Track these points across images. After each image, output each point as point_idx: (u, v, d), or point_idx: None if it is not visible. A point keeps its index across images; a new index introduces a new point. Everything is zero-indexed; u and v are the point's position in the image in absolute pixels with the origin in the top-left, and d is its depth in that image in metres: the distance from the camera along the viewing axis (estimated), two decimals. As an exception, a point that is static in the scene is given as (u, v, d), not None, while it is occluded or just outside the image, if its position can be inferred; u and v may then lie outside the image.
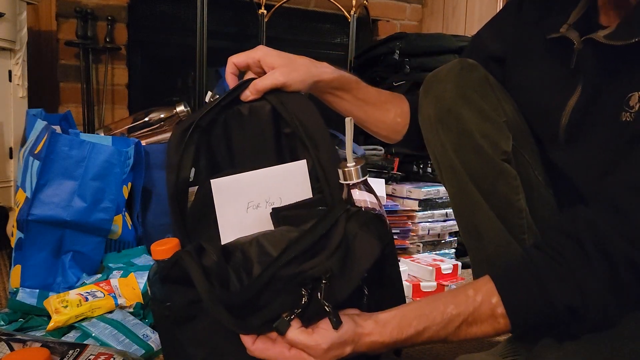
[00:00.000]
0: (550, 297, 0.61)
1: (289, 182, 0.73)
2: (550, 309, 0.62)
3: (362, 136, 1.83)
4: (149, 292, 0.67)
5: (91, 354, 0.74)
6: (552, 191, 0.85)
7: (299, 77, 0.76)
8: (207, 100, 1.61)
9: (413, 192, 1.63)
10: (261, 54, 0.76)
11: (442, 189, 1.66)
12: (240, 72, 0.79)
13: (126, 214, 1.28)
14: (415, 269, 1.35)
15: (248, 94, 0.74)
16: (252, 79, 0.75)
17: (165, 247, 0.63)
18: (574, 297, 0.61)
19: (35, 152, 1.16)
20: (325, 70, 0.82)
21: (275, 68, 0.76)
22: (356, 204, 0.69)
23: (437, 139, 0.83)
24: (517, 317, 0.63)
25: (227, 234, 0.70)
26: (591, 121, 0.71)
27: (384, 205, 0.95)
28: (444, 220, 1.67)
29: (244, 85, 0.74)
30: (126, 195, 1.26)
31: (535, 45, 0.81)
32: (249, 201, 0.72)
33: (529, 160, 0.84)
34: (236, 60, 0.76)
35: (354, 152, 0.71)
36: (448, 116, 0.81)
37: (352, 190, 0.70)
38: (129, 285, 1.03)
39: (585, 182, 0.74)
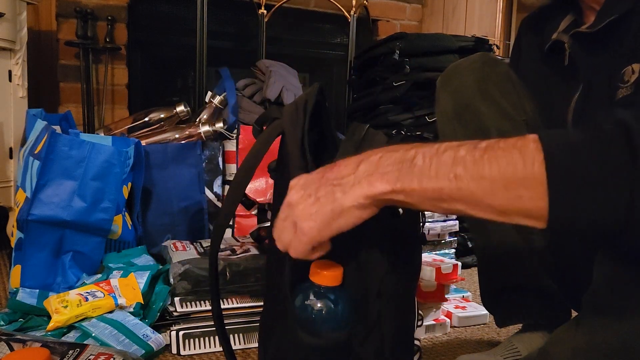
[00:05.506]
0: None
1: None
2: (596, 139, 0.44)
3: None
4: (297, 316, 0.56)
5: (91, 354, 0.74)
6: None
7: None
8: (207, 100, 1.62)
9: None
10: None
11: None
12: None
13: (126, 214, 1.28)
14: (415, 269, 1.34)
15: None
16: None
17: (334, 273, 0.55)
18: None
19: (35, 152, 1.16)
20: None
21: None
22: None
23: (452, 134, 0.82)
24: (550, 146, 0.44)
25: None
26: (592, 111, 0.72)
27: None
28: (444, 221, 1.67)
29: None
30: (126, 195, 1.26)
31: (538, 61, 0.83)
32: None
33: None
34: None
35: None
36: (466, 111, 0.81)
37: None
38: (129, 285, 1.03)
39: None
